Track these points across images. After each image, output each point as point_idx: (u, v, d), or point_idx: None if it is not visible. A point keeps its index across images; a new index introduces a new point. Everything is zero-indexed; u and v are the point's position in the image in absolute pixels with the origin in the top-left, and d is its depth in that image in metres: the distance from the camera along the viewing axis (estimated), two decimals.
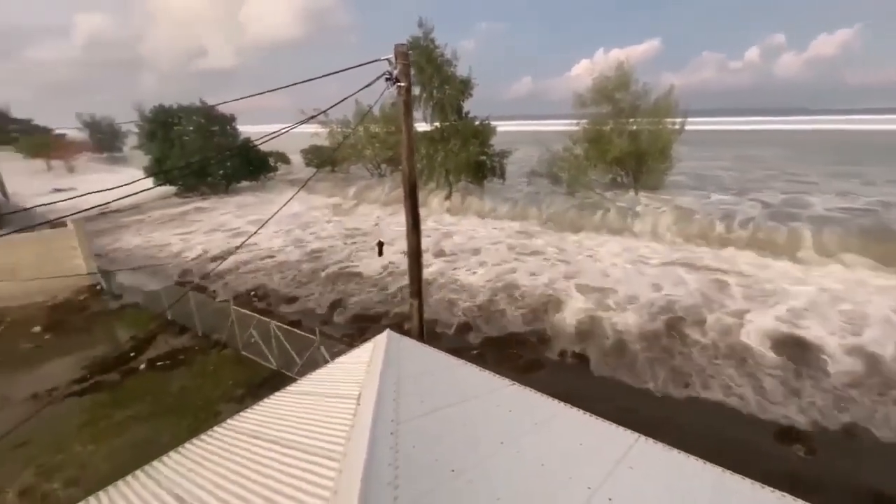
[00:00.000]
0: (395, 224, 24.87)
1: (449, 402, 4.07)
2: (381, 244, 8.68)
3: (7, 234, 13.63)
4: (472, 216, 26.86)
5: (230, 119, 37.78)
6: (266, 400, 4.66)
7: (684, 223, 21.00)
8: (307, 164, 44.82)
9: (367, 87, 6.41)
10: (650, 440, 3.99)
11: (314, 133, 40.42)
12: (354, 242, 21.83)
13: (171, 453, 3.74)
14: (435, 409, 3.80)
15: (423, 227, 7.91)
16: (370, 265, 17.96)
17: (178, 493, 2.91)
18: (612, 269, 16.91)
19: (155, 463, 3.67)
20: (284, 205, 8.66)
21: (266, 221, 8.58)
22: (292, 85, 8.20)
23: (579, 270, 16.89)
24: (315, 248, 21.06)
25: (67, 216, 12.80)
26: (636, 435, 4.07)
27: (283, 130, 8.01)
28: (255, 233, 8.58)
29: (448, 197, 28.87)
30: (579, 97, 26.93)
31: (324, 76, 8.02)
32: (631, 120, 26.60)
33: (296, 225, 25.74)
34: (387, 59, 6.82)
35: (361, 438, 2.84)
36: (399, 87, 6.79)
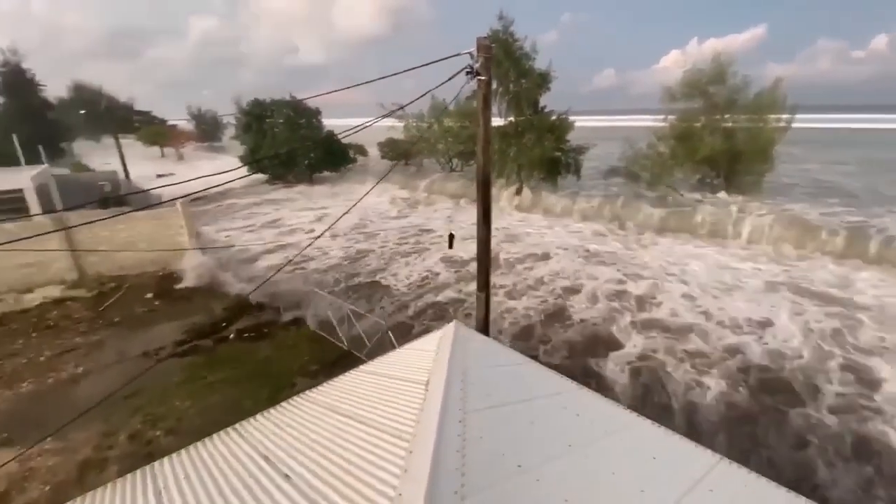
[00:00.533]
0: (464, 219, 24.96)
1: (515, 399, 4.04)
2: (451, 236, 8.79)
3: (129, 211, 15.70)
4: (543, 214, 26.11)
5: (316, 112, 40.12)
6: (341, 377, 4.95)
7: (798, 235, 18.24)
8: (382, 157, 46.52)
9: (448, 80, 6.49)
10: (734, 464, 3.68)
11: (391, 127, 41.76)
12: (420, 235, 22.19)
13: (258, 416, 4.11)
14: (501, 403, 3.79)
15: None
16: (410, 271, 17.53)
17: (264, 453, 3.18)
18: (700, 287, 14.53)
19: (244, 423, 4.05)
20: (366, 193, 9.11)
21: (350, 209, 9.08)
22: (374, 80, 8.54)
23: (655, 285, 14.92)
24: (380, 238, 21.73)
25: (176, 199, 14.46)
26: (718, 456, 3.78)
27: (366, 124, 8.38)
28: (340, 218, 9.08)
29: (518, 193, 28.44)
30: (668, 91, 25.14)
31: (406, 71, 8.21)
32: (726, 116, 24.35)
33: (366, 216, 26.82)
34: (468, 53, 6.86)
35: (430, 423, 2.91)
36: (479, 80, 6.80)
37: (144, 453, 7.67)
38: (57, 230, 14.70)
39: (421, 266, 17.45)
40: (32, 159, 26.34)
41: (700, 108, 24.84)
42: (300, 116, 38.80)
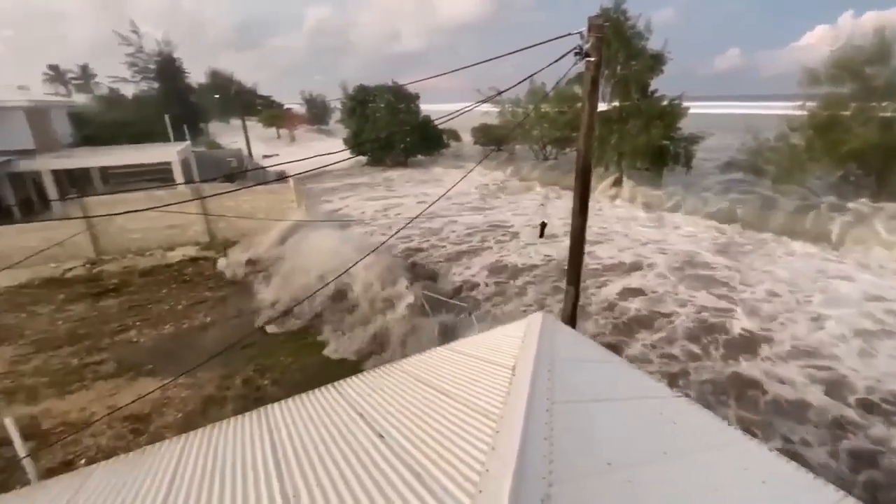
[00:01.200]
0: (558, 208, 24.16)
1: (605, 396, 3.89)
2: (543, 225, 8.58)
3: (251, 186, 17.67)
4: (644, 210, 24.12)
5: (415, 97, 41.33)
6: (427, 352, 5.15)
7: None
8: (475, 143, 46.62)
9: (556, 62, 6.25)
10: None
11: (485, 112, 41.57)
12: (488, 231, 21.52)
13: (353, 378, 4.44)
14: (591, 398, 3.67)
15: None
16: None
17: (360, 411, 3.44)
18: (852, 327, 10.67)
19: (341, 382, 4.41)
20: (462, 178, 9.25)
21: (445, 193, 9.31)
22: (474, 65, 8.50)
23: (780, 322, 11.26)
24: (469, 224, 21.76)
25: (289, 176, 15.94)
26: (842, 493, 3.29)
27: (463, 110, 8.42)
28: (437, 200, 9.35)
29: (617, 183, 26.74)
30: (810, 73, 21.53)
31: (509, 54, 8.08)
32: (884, 103, 20.28)
33: (457, 200, 27.16)
34: (578, 33, 6.53)
35: (518, 406, 2.92)
36: (588, 62, 6.45)
37: (254, 397, 8.74)
38: (195, 199, 17.05)
39: (467, 273, 15.61)
40: (178, 137, 30.74)
41: (850, 93, 20.98)
42: (400, 101, 40.25)
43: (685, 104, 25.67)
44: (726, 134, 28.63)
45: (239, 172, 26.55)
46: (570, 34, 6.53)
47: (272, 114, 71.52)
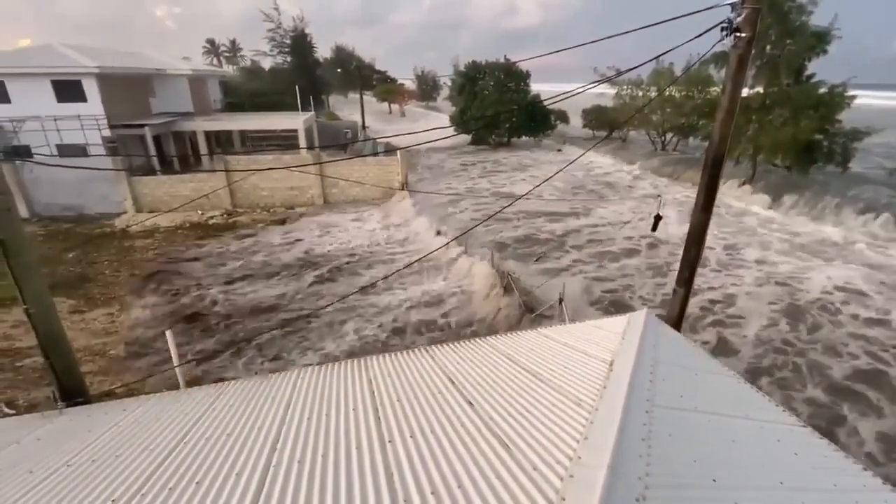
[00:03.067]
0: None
1: (712, 409, 3.55)
2: (658, 218, 7.93)
3: (365, 156, 18.86)
4: (784, 215, 20.60)
5: (526, 76, 40.07)
6: (518, 333, 5.13)
7: None
8: (584, 126, 44.12)
9: (699, 36, 5.60)
10: None
11: (600, 94, 38.91)
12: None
13: (446, 345, 4.61)
14: (695, 408, 3.38)
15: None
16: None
17: (451, 377, 3.57)
18: None
19: (432, 347, 4.61)
20: (571, 163, 8.87)
21: (549, 178, 9.03)
22: (595, 42, 7.94)
23: None
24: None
25: (392, 149, 16.70)
26: None
27: (579, 90, 7.95)
28: (538, 186, 9.14)
29: (749, 182, 23.55)
30: None
31: (645, 27, 7.40)
32: None
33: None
34: (728, 5, 5.74)
35: (615, 401, 2.80)
36: (738, 37, 5.66)
37: None
38: (315, 163, 18.68)
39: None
40: (303, 108, 33.66)
41: None
42: (510, 79, 39.34)
43: (853, 92, 21.42)
44: None
45: (353, 142, 28.47)
46: (718, 5, 5.78)
47: (386, 89, 74.66)
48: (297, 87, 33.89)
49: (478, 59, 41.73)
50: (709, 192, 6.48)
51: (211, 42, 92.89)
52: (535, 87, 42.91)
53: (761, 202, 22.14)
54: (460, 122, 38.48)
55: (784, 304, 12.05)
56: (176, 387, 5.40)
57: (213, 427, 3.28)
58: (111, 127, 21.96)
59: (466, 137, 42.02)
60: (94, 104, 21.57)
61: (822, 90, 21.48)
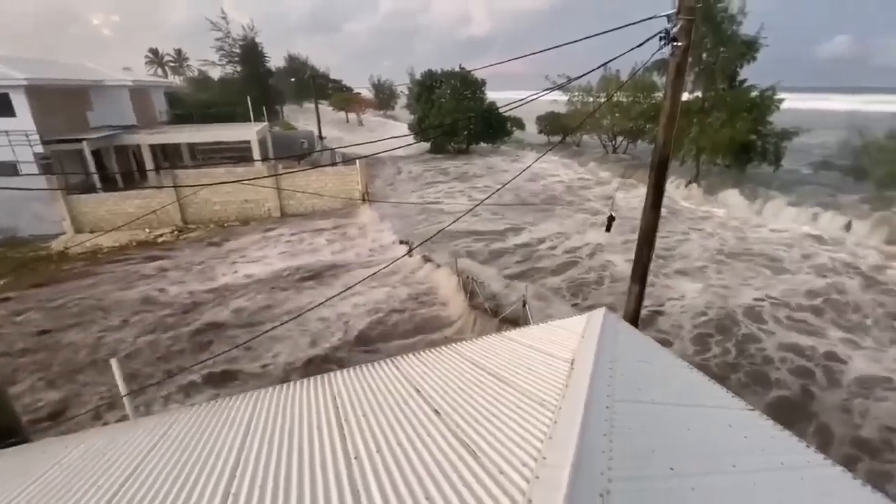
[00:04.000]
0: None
1: (669, 400, 3.70)
2: (611, 219, 8.25)
3: (323, 166, 18.53)
4: (726, 214, 22.09)
5: (481, 84, 40.81)
6: (482, 338, 5.17)
7: None
8: (540, 132, 45.37)
9: (640, 46, 5.90)
10: None
11: (553, 100, 40.17)
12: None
13: (410, 355, 4.57)
14: (653, 401, 3.52)
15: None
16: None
17: (416, 387, 3.55)
18: None
19: (397, 358, 4.56)
20: (527, 168, 9.10)
21: (507, 183, 9.19)
22: (545, 51, 8.22)
23: None
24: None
25: (350, 158, 16.52)
26: None
27: (532, 97, 8.20)
28: (498, 190, 9.28)
29: (694, 181, 24.98)
30: None
31: (586, 38, 7.71)
32: None
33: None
34: (665, 16, 6.11)
35: (577, 399, 2.87)
36: (675, 46, 6.02)
37: None
38: (270, 175, 18.18)
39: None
40: (257, 118, 32.74)
41: None
42: (466, 87, 39.94)
43: (779, 96, 23.24)
44: (824, 130, 25.71)
45: (310, 153, 27.92)
46: (656, 17, 6.13)
47: (342, 98, 73.92)
48: (248, 98, 32.92)
49: (434, 68, 42.19)
50: (657, 192, 6.81)
51: (154, 52, 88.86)
52: (491, 94, 43.78)
53: (702, 198, 23.67)
54: (419, 130, 38.67)
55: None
56: (125, 418, 5.05)
57: (166, 458, 3.10)
58: (44, 143, 20.49)
59: (426, 146, 42.24)
60: (23, 119, 20.07)
61: (754, 94, 23.19)
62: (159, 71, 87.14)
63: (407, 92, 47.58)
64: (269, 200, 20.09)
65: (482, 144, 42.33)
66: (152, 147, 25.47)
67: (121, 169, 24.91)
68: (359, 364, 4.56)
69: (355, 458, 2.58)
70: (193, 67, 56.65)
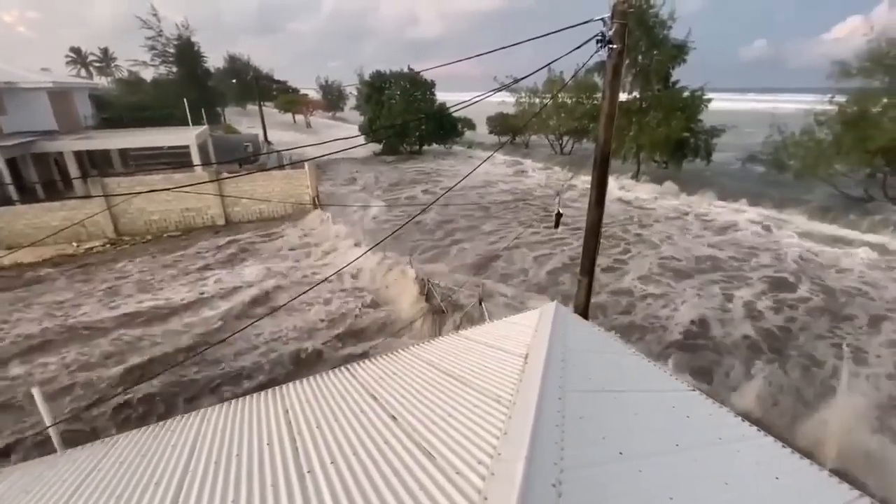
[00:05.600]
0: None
1: (618, 387, 3.87)
2: (559, 215, 8.50)
3: (269, 169, 17.84)
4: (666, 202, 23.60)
5: (431, 85, 40.89)
6: (440, 338, 5.18)
7: None
8: (490, 132, 46.13)
9: (577, 48, 6.12)
10: (876, 503, 3.13)
11: (501, 101, 41.01)
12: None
13: (366, 361, 4.50)
14: (602, 388, 3.66)
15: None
16: None
17: (372, 393, 3.49)
18: None
19: (353, 365, 4.47)
20: (479, 165, 9.19)
21: (462, 179, 9.25)
22: (491, 52, 8.36)
23: None
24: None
25: (301, 161, 16.07)
26: (856, 492, 3.25)
27: (477, 99, 8.30)
28: (453, 187, 9.31)
29: (635, 177, 26.34)
30: (840, 65, 20.81)
31: (529, 40, 7.91)
32: None
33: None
34: (601, 20, 6.38)
35: (530, 393, 2.93)
36: (611, 49, 6.31)
37: None
38: (212, 181, 17.27)
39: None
40: (195, 121, 31.00)
41: (883, 87, 20.22)
42: (416, 89, 39.89)
43: (707, 96, 25.02)
44: (748, 127, 27.95)
45: (255, 156, 26.80)
46: (591, 20, 6.39)
47: (288, 99, 71.66)
48: (185, 100, 31.13)
49: (383, 69, 41.82)
50: (600, 188, 7.10)
51: (77, 51, 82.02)
52: (442, 95, 44.00)
53: (645, 190, 25.07)
54: (369, 131, 38.19)
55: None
56: (52, 451, 4.61)
57: (98, 492, 2.86)
58: None
59: (377, 147, 41.79)
60: None
61: (686, 94, 24.82)
62: (83, 72, 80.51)
63: (356, 93, 46.80)
64: (213, 207, 19.07)
65: (435, 146, 42.46)
66: (77, 154, 23.45)
67: (41, 178, 22.74)
68: (313, 374, 4.43)
69: (308, 471, 2.50)
70: (122, 68, 52.68)
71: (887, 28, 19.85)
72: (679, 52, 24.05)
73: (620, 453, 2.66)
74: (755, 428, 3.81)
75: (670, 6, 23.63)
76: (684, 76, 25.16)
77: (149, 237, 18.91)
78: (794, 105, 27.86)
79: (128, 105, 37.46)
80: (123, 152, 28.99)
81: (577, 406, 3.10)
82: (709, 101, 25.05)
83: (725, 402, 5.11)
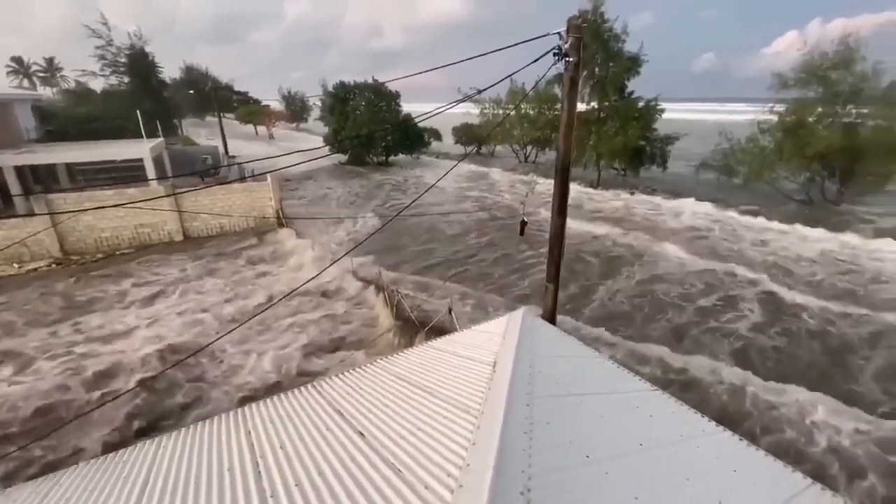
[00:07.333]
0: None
1: (584, 391, 3.94)
2: (523, 223, 8.65)
3: (229, 182, 17.29)
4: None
5: (395, 96, 40.93)
6: (409, 350, 5.13)
7: None
8: (456, 142, 46.61)
9: (535, 61, 6.31)
10: (827, 490, 3.32)
11: (466, 112, 41.57)
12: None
13: (333, 377, 4.40)
14: (569, 393, 3.72)
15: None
16: None
17: (339, 409, 3.41)
18: None
19: (320, 381, 4.36)
20: (447, 172, 9.24)
21: (431, 185, 9.27)
22: (454, 64, 8.50)
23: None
24: None
25: (261, 173, 15.69)
26: (809, 480, 3.43)
27: (441, 109, 8.40)
28: (426, 191, 9.30)
29: (595, 185, 27.21)
30: (779, 77, 22.39)
31: (489, 53, 8.09)
32: (849, 107, 21.24)
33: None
34: (557, 34, 6.60)
35: (498, 402, 2.94)
36: (567, 62, 6.53)
37: None
38: (168, 195, 16.56)
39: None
40: (151, 133, 29.74)
41: (817, 97, 21.88)
42: (380, 99, 39.83)
43: (661, 105, 26.27)
44: (699, 135, 29.45)
45: (214, 170, 25.91)
46: (548, 34, 6.60)
47: (249, 110, 69.99)
48: (139, 111, 29.84)
49: (347, 80, 41.53)
50: (562, 196, 7.28)
51: (18, 60, 77.25)
52: (407, 106, 44.08)
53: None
54: (335, 142, 37.76)
55: None
56: None
57: None
58: None
59: (343, 158, 41.38)
60: None
61: (641, 104, 25.97)
62: (26, 82, 75.87)
63: (320, 104, 46.24)
64: (170, 223, 18.24)
65: (402, 156, 42.42)
66: (19, 169, 21.98)
67: None
68: (278, 393, 4.29)
69: (271, 496, 2.40)
70: (69, 78, 49.79)
71: (819, 42, 21.57)
72: (633, 64, 25.19)
73: (587, 456, 2.70)
74: (714, 423, 3.97)
75: (623, 21, 24.79)
76: (639, 87, 26.37)
77: (99, 255, 17.88)
78: (741, 115, 29.61)
79: (75, 117, 35.52)
80: (71, 167, 27.37)
81: (544, 412, 3.14)
82: (662, 110, 26.32)
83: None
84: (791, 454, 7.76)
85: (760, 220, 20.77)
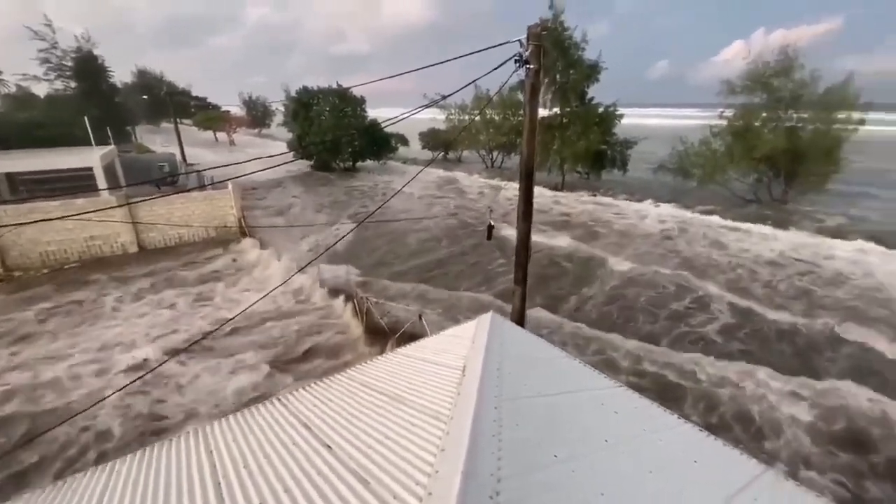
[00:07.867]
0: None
1: (551, 391, 4.01)
2: (490, 227, 8.76)
3: (187, 191, 16.64)
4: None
5: (361, 101, 40.58)
6: (378, 358, 5.07)
7: None
8: (423, 147, 46.69)
9: (496, 69, 6.41)
10: (781, 475, 3.50)
11: (432, 118, 41.76)
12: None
13: (300, 389, 4.29)
14: (537, 394, 3.77)
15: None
16: None
17: (305, 423, 3.33)
18: None
19: (286, 394, 4.24)
20: (413, 177, 9.23)
21: (398, 190, 9.21)
22: (419, 69, 8.54)
23: None
24: None
25: (222, 181, 15.19)
26: (763, 466, 3.62)
27: (406, 115, 8.43)
28: (392, 196, 9.24)
29: (560, 188, 27.88)
30: (727, 84, 23.71)
31: (452, 59, 8.17)
32: (790, 112, 22.75)
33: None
34: (518, 41, 6.75)
35: (467, 406, 2.95)
36: (528, 69, 6.68)
37: None
38: (120, 205, 15.77)
39: None
40: (101, 140, 28.26)
41: (762, 103, 23.32)
42: (345, 105, 39.39)
43: (620, 111, 27.29)
44: (657, 139, 30.74)
45: (171, 178, 24.83)
46: (509, 42, 6.74)
47: (208, 116, 67.76)
48: (87, 117, 28.27)
49: (310, 84, 40.87)
50: (527, 200, 7.42)
51: None
52: (373, 112, 43.77)
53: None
54: (299, 147, 37.00)
55: None
56: None
57: None
58: None
59: (307, 165, 40.62)
60: None
61: (601, 110, 26.87)
62: None
63: (283, 109, 45.25)
64: (123, 234, 17.33)
65: (369, 161, 42.06)
66: None
67: None
68: (242, 409, 4.14)
69: None
70: (9, 83, 46.58)
71: (762, 52, 23.03)
72: (593, 71, 26.04)
73: (555, 456, 2.75)
74: (676, 416, 4.12)
75: (582, 30, 25.65)
76: (599, 94, 27.26)
77: (45, 270, 16.78)
78: (695, 120, 31.14)
79: (15, 123, 33.35)
80: (12, 176, 25.61)
81: (513, 414, 3.17)
82: (621, 116, 27.34)
83: None
84: None
85: (715, 219, 21.89)
